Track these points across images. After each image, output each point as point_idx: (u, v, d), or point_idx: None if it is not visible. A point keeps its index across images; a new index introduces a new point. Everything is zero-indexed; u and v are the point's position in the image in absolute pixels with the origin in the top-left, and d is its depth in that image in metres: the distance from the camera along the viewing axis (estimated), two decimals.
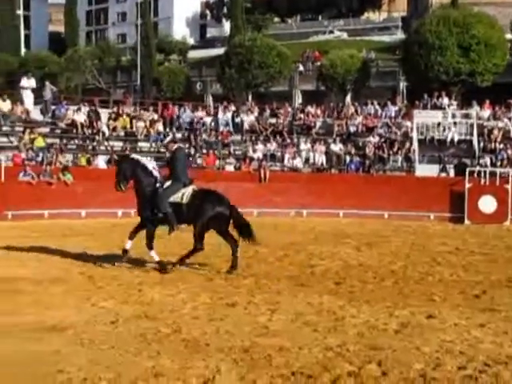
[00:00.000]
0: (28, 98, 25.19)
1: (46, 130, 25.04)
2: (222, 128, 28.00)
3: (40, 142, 23.27)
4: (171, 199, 11.81)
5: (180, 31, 73.71)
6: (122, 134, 26.51)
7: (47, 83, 26.91)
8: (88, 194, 21.19)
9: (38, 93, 26.49)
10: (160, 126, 27.20)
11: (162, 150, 23.35)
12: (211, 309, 9.00)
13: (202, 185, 22.77)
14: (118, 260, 12.27)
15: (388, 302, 9.55)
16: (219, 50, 57.88)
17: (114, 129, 26.16)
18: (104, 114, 27.05)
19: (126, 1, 79.87)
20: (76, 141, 25.39)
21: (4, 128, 24.14)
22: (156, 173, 12.17)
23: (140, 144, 26.62)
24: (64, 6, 74.53)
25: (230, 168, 26.03)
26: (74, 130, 25.28)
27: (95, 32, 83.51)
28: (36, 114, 25.47)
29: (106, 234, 17.25)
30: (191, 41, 74.50)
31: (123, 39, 77.83)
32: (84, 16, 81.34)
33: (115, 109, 28.21)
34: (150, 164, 12.40)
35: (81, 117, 25.29)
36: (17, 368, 6.32)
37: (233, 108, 29.59)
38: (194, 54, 66.52)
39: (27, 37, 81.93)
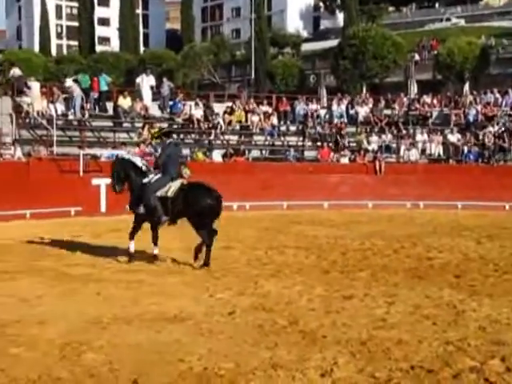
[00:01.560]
0: (147, 94, 25.86)
1: (164, 125, 25.63)
2: (336, 120, 27.83)
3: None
4: (158, 193, 11.60)
5: (293, 24, 73.87)
6: (238, 127, 26.81)
7: (165, 80, 27.54)
8: None
9: (155, 89, 27.14)
10: (274, 120, 27.33)
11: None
12: (327, 301, 8.97)
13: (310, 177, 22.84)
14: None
15: (511, 296, 9.23)
16: (333, 42, 57.65)
17: (230, 123, 26.49)
18: (219, 108, 27.43)
19: None
20: (193, 135, 25.89)
21: (124, 124, 24.92)
22: (145, 168, 12.09)
23: (255, 137, 26.85)
24: (180, 4, 76.18)
25: (344, 160, 25.84)
26: (191, 125, 25.78)
27: (210, 28, 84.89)
28: (154, 110, 26.13)
29: (223, 227, 17.38)
30: (304, 33, 74.47)
31: (237, 34, 78.75)
32: (199, 13, 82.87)
33: (230, 103, 28.56)
34: (140, 161, 12.28)
35: (198, 112, 25.75)
36: (140, 356, 6.52)
37: (347, 100, 29.34)
38: (307, 47, 66.48)
39: (146, 35, 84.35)
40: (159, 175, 11.80)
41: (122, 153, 13.01)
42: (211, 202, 11.62)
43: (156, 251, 12.01)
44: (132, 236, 12.00)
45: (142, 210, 11.75)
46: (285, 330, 7.53)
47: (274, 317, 8.08)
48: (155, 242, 12.02)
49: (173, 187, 11.64)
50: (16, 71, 24.04)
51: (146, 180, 11.83)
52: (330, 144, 26.40)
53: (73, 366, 6.23)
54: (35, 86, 23.43)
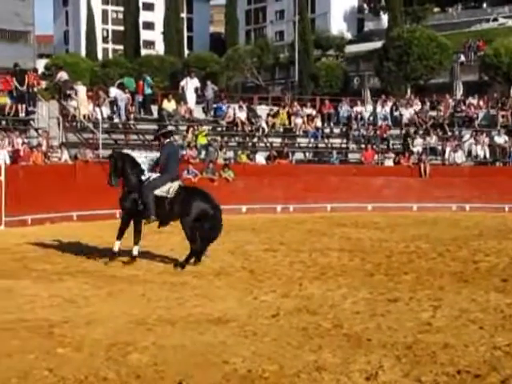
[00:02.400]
0: (191, 97, 26.00)
1: (208, 128, 25.76)
2: (380, 122, 27.66)
3: (202, 140, 23.97)
4: (157, 192, 11.53)
5: (337, 26, 73.63)
6: (281, 130, 26.81)
7: (209, 83, 27.66)
8: (248, 189, 21.62)
9: (200, 92, 27.27)
10: (318, 122, 27.27)
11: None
12: (372, 304, 8.92)
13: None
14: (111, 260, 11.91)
15: None
16: (376, 44, 57.34)
17: (273, 125, 26.50)
18: (263, 110, 27.46)
19: None
20: (236, 138, 25.97)
21: (169, 127, 25.05)
22: (144, 166, 11.94)
23: (298, 140, 26.82)
24: (224, 7, 76.49)
25: (388, 163, 25.66)
26: (235, 128, 25.86)
27: (254, 31, 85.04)
28: (198, 113, 26.27)
29: (266, 229, 17.54)
30: (348, 35, 74.18)
31: (281, 37, 78.76)
32: (243, 15, 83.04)
33: (274, 106, 28.54)
34: (140, 158, 12.14)
35: (242, 114, 25.83)
36: (184, 357, 6.56)
37: (391, 101, 29.13)
38: (351, 49, 66.23)
39: (190, 38, 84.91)
40: (158, 174, 11.79)
41: (128, 151, 12.94)
42: (209, 209, 11.60)
43: (136, 252, 11.91)
44: (120, 236, 11.91)
45: (141, 206, 11.67)
46: (329, 333, 7.51)
47: (318, 319, 8.06)
48: (136, 242, 11.92)
49: (173, 187, 11.62)
50: (63, 75, 24.38)
51: (144, 177, 11.77)
52: (374, 146, 26.26)
53: (119, 366, 6.29)
54: (82, 89, 23.74)
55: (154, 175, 11.81)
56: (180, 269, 11.38)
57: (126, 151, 13.11)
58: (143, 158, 12.38)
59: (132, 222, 11.99)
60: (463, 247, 14.40)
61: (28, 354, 6.58)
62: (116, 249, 11.89)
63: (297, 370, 6.20)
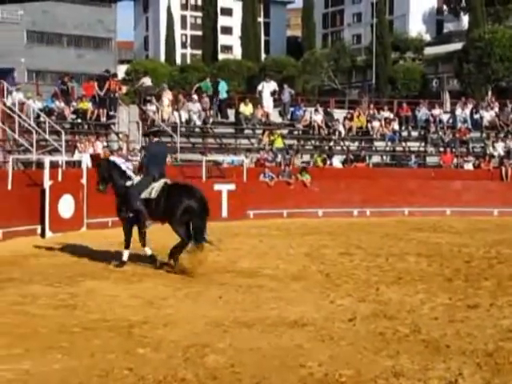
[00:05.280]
0: (267, 101, 26.08)
1: (285, 131, 25.81)
2: (459, 125, 27.15)
3: (279, 143, 24.03)
4: (142, 195, 11.38)
5: (416, 28, 72.62)
6: (358, 133, 26.62)
7: (285, 86, 27.68)
8: (325, 193, 21.54)
9: (276, 96, 27.33)
10: (396, 125, 26.96)
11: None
12: (451, 310, 8.77)
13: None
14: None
15: None
16: (456, 45, 56.38)
17: (350, 129, 26.35)
18: (340, 114, 27.34)
19: (361, 1, 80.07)
20: (313, 141, 25.93)
21: (246, 131, 25.25)
22: (130, 172, 11.89)
23: (376, 143, 26.59)
24: (301, 11, 76.49)
25: (468, 166, 25.17)
26: (311, 131, 25.82)
27: (331, 34, 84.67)
28: (275, 117, 26.34)
29: (343, 233, 17.45)
30: (427, 37, 73.11)
31: (358, 39, 78.18)
32: (320, 19, 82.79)
33: (350, 109, 28.36)
34: (124, 165, 12.06)
35: (319, 118, 25.77)
36: (261, 360, 6.59)
37: (471, 104, 28.56)
38: (429, 51, 65.25)
39: (267, 42, 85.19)
40: (141, 177, 11.73)
41: (114, 158, 13.00)
42: (193, 203, 11.40)
43: (149, 252, 11.94)
44: (127, 245, 11.88)
45: (130, 214, 11.66)
46: (407, 339, 7.42)
47: (396, 324, 7.97)
48: (143, 244, 11.94)
49: (155, 188, 11.51)
50: (145, 81, 24.80)
51: (129, 183, 11.74)
52: (454, 149, 25.80)
53: (196, 367, 6.37)
54: (167, 94, 24.15)
55: (137, 179, 11.74)
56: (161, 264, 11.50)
57: (112, 158, 13.07)
58: (125, 165, 12.41)
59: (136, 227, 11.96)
60: None
61: (109, 353, 6.75)
62: (125, 258, 11.81)
63: (374, 376, 6.15)
